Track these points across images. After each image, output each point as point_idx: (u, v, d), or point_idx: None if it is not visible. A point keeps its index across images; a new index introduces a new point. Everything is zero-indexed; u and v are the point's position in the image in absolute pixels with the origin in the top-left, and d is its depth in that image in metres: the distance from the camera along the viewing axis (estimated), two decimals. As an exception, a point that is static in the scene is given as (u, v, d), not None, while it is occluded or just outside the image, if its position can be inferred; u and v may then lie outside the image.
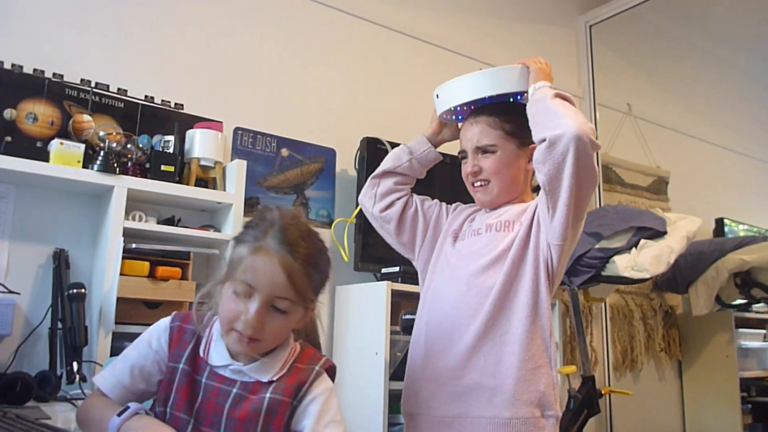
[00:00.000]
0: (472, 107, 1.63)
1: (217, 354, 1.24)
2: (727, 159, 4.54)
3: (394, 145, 2.58)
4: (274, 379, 1.21)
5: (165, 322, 1.28)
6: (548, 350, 1.44)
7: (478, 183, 1.58)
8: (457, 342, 1.44)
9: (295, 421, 1.20)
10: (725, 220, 4.16)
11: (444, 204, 1.73)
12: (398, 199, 1.67)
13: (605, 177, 3.69)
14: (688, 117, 4.16)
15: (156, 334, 1.26)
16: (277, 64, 2.63)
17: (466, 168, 1.60)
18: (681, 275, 3.31)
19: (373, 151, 2.58)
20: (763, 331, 3.66)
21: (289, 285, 1.17)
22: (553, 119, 1.35)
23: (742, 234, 4.06)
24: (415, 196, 1.71)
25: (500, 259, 1.47)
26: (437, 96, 1.65)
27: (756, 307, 3.56)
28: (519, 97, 1.61)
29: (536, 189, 1.57)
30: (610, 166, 3.73)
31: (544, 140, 1.34)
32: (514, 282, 1.45)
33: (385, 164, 1.72)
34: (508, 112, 1.58)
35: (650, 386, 3.51)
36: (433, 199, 1.74)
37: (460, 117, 1.70)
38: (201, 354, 1.23)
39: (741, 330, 3.47)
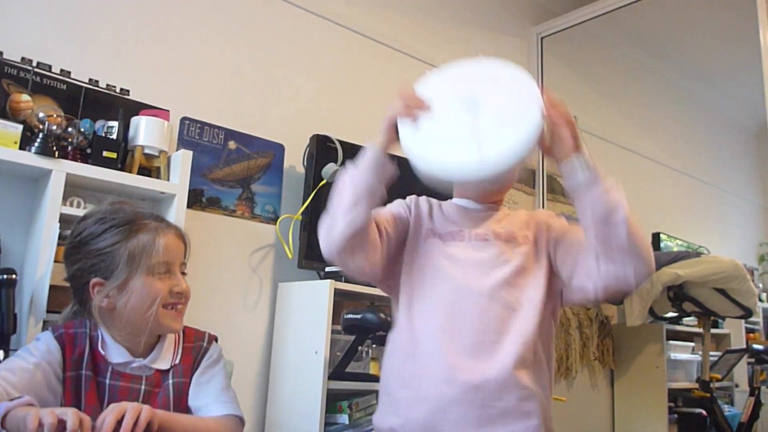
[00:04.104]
0: None
1: (116, 353, 1.32)
2: (666, 176, 4.69)
3: (343, 143, 2.57)
4: (175, 363, 1.36)
5: (47, 333, 1.32)
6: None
7: None
8: (486, 361, 1.29)
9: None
10: (661, 235, 4.29)
11: (398, 207, 1.46)
12: (378, 250, 1.34)
13: (549, 187, 3.76)
14: (631, 133, 4.28)
15: (44, 343, 1.29)
16: (228, 56, 2.58)
17: None
18: (617, 286, 3.38)
19: (322, 149, 2.56)
20: (692, 344, 3.78)
21: (185, 251, 1.42)
22: (632, 248, 1.21)
23: (676, 249, 4.20)
24: (378, 224, 1.36)
25: (520, 275, 1.35)
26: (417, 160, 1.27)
27: (686, 320, 3.68)
28: None
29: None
30: (555, 177, 3.80)
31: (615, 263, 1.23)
32: (539, 301, 1.34)
33: (358, 217, 1.27)
34: None
35: (583, 393, 3.59)
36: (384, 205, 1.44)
37: None
38: (100, 350, 1.30)
39: (671, 342, 3.58)
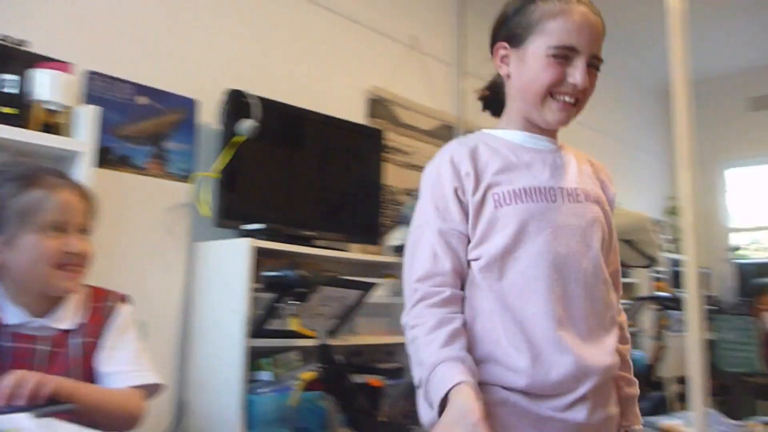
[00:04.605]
0: None
1: (12, 314, 1.26)
2: (576, 132, 4.82)
3: (260, 99, 2.51)
4: (83, 323, 1.31)
5: None
6: None
7: (572, 99, 1.16)
8: (599, 347, 1.15)
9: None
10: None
11: (449, 192, 1.17)
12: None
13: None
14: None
15: None
16: (136, 5, 2.47)
17: (572, 76, 1.14)
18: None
19: (237, 105, 2.50)
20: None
21: (88, 211, 1.34)
22: None
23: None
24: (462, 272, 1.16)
25: (605, 242, 1.23)
26: None
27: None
28: None
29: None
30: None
31: None
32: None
33: None
34: None
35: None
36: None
37: None
38: None
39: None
